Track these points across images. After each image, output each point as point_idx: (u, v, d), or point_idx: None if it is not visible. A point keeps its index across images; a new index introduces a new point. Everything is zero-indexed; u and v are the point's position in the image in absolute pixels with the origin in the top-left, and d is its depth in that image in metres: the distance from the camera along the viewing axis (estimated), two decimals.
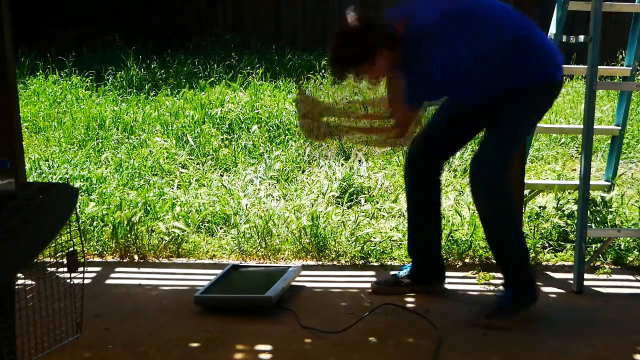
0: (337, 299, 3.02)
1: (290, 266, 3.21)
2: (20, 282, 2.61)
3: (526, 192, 3.64)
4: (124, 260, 3.46)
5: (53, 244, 2.41)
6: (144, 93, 6.52)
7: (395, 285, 3.06)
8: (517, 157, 3.27)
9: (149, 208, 3.85)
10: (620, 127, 3.92)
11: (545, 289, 3.13)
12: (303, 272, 3.19)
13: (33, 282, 2.68)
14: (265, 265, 3.36)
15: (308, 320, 2.78)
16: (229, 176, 4.63)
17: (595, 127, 3.51)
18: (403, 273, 3.09)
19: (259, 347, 2.60)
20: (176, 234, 3.59)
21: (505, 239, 2.79)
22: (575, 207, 3.63)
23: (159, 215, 3.79)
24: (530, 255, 3.43)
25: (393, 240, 3.59)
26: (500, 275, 3.23)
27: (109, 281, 3.23)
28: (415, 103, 2.75)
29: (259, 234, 3.58)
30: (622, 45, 6.23)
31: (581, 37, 3.14)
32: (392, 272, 3.18)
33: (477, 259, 3.42)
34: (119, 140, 5.27)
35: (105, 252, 3.51)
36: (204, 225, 3.80)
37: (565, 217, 3.69)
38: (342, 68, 2.67)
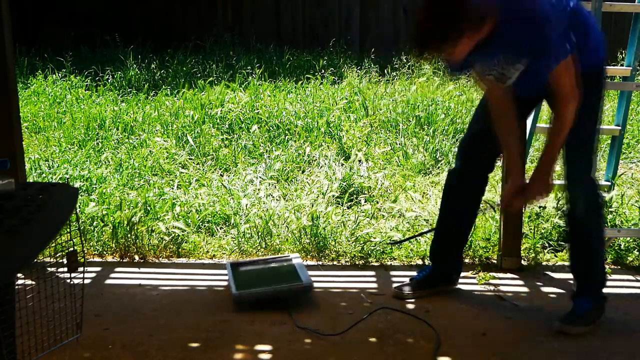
0: (337, 299, 3.02)
1: (288, 256, 3.25)
2: (20, 282, 2.61)
3: None
4: (124, 260, 3.46)
5: (53, 244, 2.41)
6: (143, 93, 6.52)
7: (419, 288, 3.03)
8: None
9: (149, 208, 3.85)
10: (620, 127, 3.92)
11: (545, 289, 3.13)
12: None
13: (33, 282, 2.68)
14: (263, 259, 3.35)
15: (308, 321, 2.78)
16: (229, 176, 4.63)
17: None
18: (422, 275, 3.09)
19: (259, 347, 2.60)
20: (176, 234, 3.59)
21: (598, 244, 2.74)
22: None
23: (159, 215, 3.79)
24: (531, 255, 3.44)
25: (393, 240, 3.59)
26: (499, 275, 3.23)
27: (109, 281, 3.23)
28: (565, 52, 2.41)
29: (259, 234, 3.58)
30: (622, 45, 6.24)
31: None
32: (410, 276, 3.15)
33: (477, 259, 3.42)
34: (119, 140, 5.28)
35: (105, 252, 3.51)
36: (204, 225, 3.80)
37: (565, 217, 3.68)
38: (424, 44, 2.35)
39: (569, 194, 2.75)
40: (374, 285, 3.17)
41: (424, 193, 4.39)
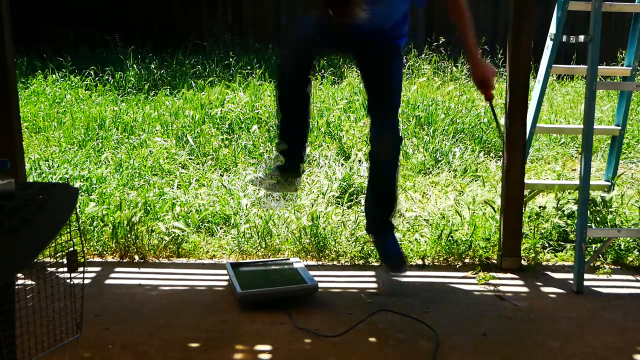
0: (337, 299, 3.02)
1: (288, 258, 3.26)
2: (20, 282, 2.61)
3: (526, 192, 3.64)
4: (124, 260, 3.46)
5: (53, 244, 2.41)
6: (143, 93, 6.52)
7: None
8: (518, 157, 3.28)
9: (149, 208, 3.85)
10: (620, 127, 3.92)
11: (545, 289, 3.13)
12: None
13: (33, 282, 2.68)
14: (262, 261, 3.35)
15: (308, 321, 2.78)
16: (229, 176, 4.63)
17: (595, 127, 3.52)
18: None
19: (259, 347, 2.60)
20: (176, 234, 3.59)
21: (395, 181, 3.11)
22: (575, 207, 3.63)
23: (159, 215, 3.79)
24: (531, 255, 3.44)
25: None
26: (499, 275, 3.24)
27: (109, 281, 3.23)
28: None
29: (259, 234, 3.58)
30: (622, 45, 6.24)
31: (581, 37, 3.14)
32: None
33: (477, 259, 3.42)
34: (119, 140, 5.28)
35: (105, 252, 3.51)
36: (204, 225, 3.80)
37: (565, 217, 3.69)
38: None
39: (383, 130, 2.97)
40: (374, 285, 3.17)
41: (424, 193, 4.39)
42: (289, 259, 3.26)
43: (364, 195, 4.17)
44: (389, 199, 3.09)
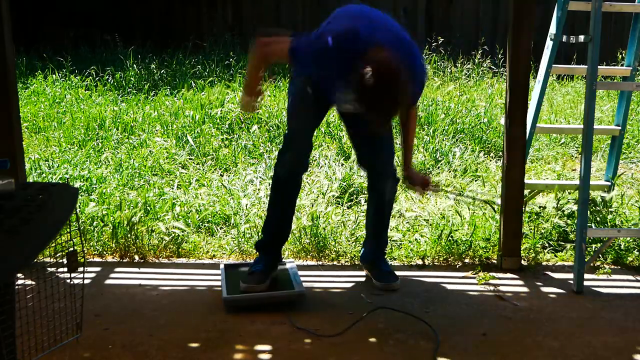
0: (337, 299, 3.02)
1: (283, 261, 3.24)
2: (20, 282, 2.61)
3: (526, 192, 3.64)
4: (124, 260, 3.45)
5: (53, 244, 2.41)
6: (143, 93, 6.52)
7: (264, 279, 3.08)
8: (518, 157, 3.28)
9: (149, 208, 3.85)
10: (620, 127, 3.92)
11: (545, 289, 3.13)
12: (303, 272, 3.19)
13: (33, 282, 2.68)
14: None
15: (308, 321, 2.78)
16: (229, 176, 4.63)
17: (595, 127, 3.52)
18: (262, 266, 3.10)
19: (259, 347, 2.60)
20: (176, 234, 3.59)
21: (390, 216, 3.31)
22: (575, 207, 3.63)
23: (159, 215, 3.79)
24: (531, 255, 3.44)
25: (393, 241, 3.59)
26: (499, 275, 3.24)
27: (109, 281, 3.23)
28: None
29: (259, 234, 3.58)
30: (622, 45, 6.24)
31: (581, 37, 3.14)
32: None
33: (477, 259, 3.42)
34: (119, 140, 5.28)
35: (105, 252, 3.51)
36: (204, 225, 3.80)
37: (565, 217, 3.69)
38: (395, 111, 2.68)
39: (383, 179, 3.11)
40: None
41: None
42: (283, 262, 3.24)
43: (364, 195, 4.19)
44: (386, 228, 3.27)
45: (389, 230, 3.33)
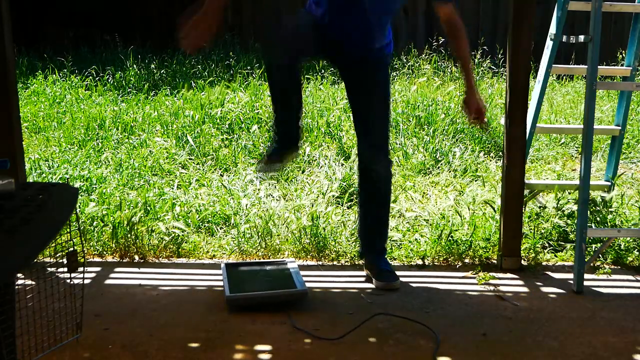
0: (337, 299, 3.02)
1: (284, 260, 3.25)
2: (20, 282, 2.61)
3: (526, 192, 3.64)
4: (124, 260, 3.46)
5: (53, 244, 2.41)
6: (143, 93, 6.52)
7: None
8: (518, 157, 3.29)
9: (149, 208, 3.85)
10: (620, 127, 3.92)
11: (545, 289, 3.13)
12: (303, 272, 3.19)
13: (33, 282, 2.68)
14: (258, 262, 3.35)
15: (308, 321, 2.78)
16: (229, 176, 4.63)
17: (595, 127, 3.52)
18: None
19: (259, 347, 2.60)
20: (176, 234, 3.59)
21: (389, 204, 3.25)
22: (575, 207, 3.64)
23: (159, 215, 3.79)
24: (531, 255, 3.44)
25: (393, 241, 3.59)
26: (499, 275, 3.24)
27: (109, 281, 3.23)
28: None
29: (259, 234, 3.58)
30: (622, 45, 6.25)
31: (581, 37, 3.14)
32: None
33: (477, 259, 3.42)
34: (119, 140, 5.28)
35: (105, 252, 3.51)
36: (204, 225, 3.80)
37: (565, 217, 3.69)
38: None
39: (374, 160, 3.04)
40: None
41: (424, 193, 4.39)
42: (284, 261, 3.24)
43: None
44: (384, 220, 3.22)
45: (388, 227, 3.28)
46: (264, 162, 3.09)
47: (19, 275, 2.71)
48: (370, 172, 3.09)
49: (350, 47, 2.98)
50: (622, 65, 6.32)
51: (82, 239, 3.32)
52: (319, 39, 2.90)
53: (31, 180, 4.22)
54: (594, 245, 3.49)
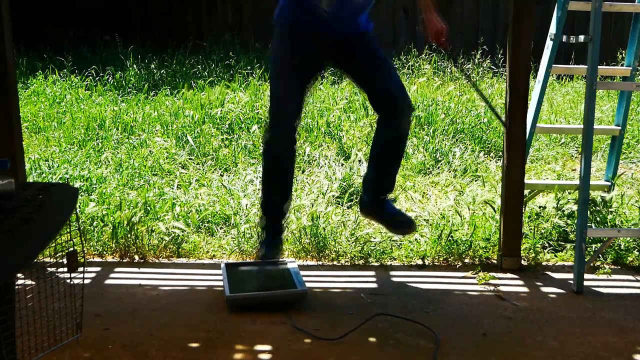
0: (336, 299, 3.02)
1: (284, 260, 3.25)
2: (20, 282, 2.61)
3: (526, 192, 3.64)
4: (124, 260, 3.46)
5: (53, 244, 2.41)
6: (143, 93, 6.52)
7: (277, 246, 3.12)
8: (518, 157, 3.28)
9: (149, 208, 3.85)
10: (620, 127, 3.92)
11: (545, 289, 3.13)
12: (303, 272, 3.19)
13: (33, 282, 2.68)
14: (258, 261, 3.35)
15: (308, 321, 2.78)
16: (229, 176, 4.63)
17: (595, 127, 3.52)
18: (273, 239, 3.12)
19: (259, 347, 2.60)
20: (176, 234, 3.59)
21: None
22: (575, 207, 3.64)
23: (159, 215, 3.79)
24: (531, 255, 3.44)
25: (393, 240, 3.59)
26: (499, 275, 3.25)
27: (109, 281, 3.23)
28: None
29: (259, 234, 3.58)
30: (622, 45, 6.25)
31: (581, 37, 3.14)
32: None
33: (477, 259, 3.42)
34: (119, 140, 5.28)
35: (105, 252, 3.51)
36: (204, 225, 3.80)
37: (565, 217, 3.69)
38: None
39: (400, 104, 2.94)
40: (374, 285, 3.17)
41: (424, 193, 4.39)
42: (284, 261, 3.24)
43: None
44: (396, 169, 3.10)
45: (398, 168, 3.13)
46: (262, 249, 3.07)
47: (19, 275, 2.71)
48: (395, 121, 2.95)
49: (343, 26, 2.94)
50: (622, 65, 6.32)
51: (82, 239, 3.32)
52: (307, 52, 2.93)
53: (31, 180, 4.22)
54: (594, 245, 3.49)
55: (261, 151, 3.06)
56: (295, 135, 3.00)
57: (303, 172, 4.67)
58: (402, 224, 3.06)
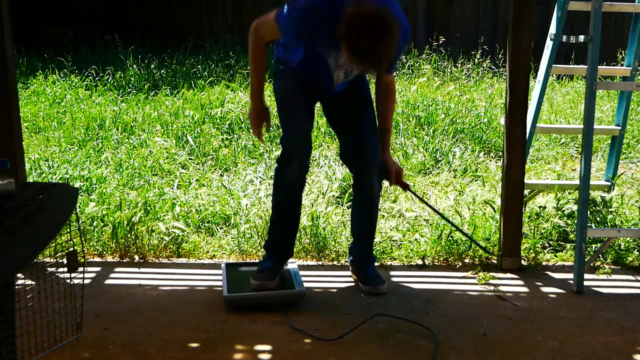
0: (336, 299, 3.02)
1: None
2: (20, 282, 2.61)
3: (526, 192, 3.64)
4: (124, 260, 3.45)
5: (53, 244, 2.41)
6: (143, 93, 6.52)
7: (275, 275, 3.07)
8: (518, 157, 3.28)
9: (149, 208, 3.85)
10: (620, 127, 3.92)
11: (545, 289, 3.13)
12: (303, 272, 3.19)
13: (33, 282, 2.68)
14: (259, 261, 3.35)
15: (308, 321, 2.78)
16: (229, 176, 4.63)
17: (595, 127, 3.52)
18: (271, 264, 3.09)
19: (259, 347, 2.60)
20: (176, 234, 3.59)
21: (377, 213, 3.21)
22: (575, 207, 3.63)
23: (159, 215, 3.79)
24: (531, 255, 3.44)
25: (393, 240, 3.59)
26: (499, 275, 3.25)
27: (109, 281, 3.23)
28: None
29: (259, 234, 3.58)
30: (622, 45, 6.24)
31: (581, 37, 3.14)
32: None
33: (477, 259, 3.42)
34: (119, 140, 5.28)
35: (105, 252, 3.51)
36: (204, 225, 3.80)
37: (565, 217, 3.69)
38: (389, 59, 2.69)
39: (369, 169, 3.01)
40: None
41: (424, 193, 4.39)
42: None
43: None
44: (372, 233, 3.18)
45: (374, 232, 3.21)
46: (257, 277, 3.01)
47: (19, 275, 2.71)
48: (364, 184, 3.06)
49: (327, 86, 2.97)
50: (622, 65, 6.32)
51: (82, 239, 3.32)
52: (308, 92, 3.01)
53: (31, 180, 4.21)
54: (594, 245, 3.49)
55: (273, 181, 3.10)
56: (308, 166, 3.06)
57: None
58: (372, 281, 3.09)
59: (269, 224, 3.18)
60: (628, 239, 3.48)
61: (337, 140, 5.11)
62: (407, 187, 3.15)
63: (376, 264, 3.39)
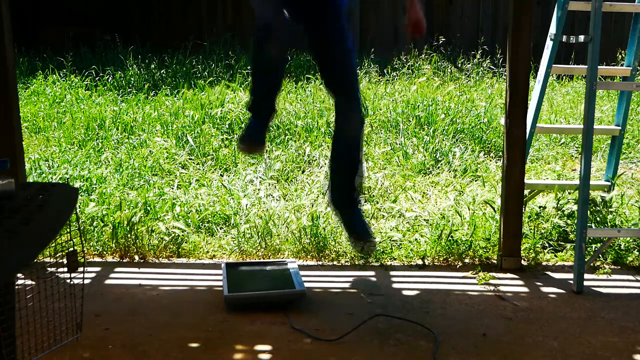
0: (336, 299, 3.02)
1: (285, 260, 3.25)
2: (20, 282, 2.61)
3: (526, 192, 3.64)
4: (124, 260, 3.46)
5: (53, 244, 2.41)
6: (143, 93, 6.52)
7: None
8: (518, 157, 3.29)
9: (149, 208, 3.85)
10: (620, 127, 3.92)
11: (545, 289, 3.13)
12: (303, 272, 3.19)
13: (33, 282, 2.68)
14: (259, 261, 3.35)
15: (308, 321, 2.78)
16: (229, 176, 4.63)
17: (595, 127, 3.52)
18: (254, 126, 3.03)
19: (259, 347, 2.60)
20: (176, 234, 3.59)
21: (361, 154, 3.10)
22: (575, 207, 3.64)
23: (159, 215, 3.79)
24: (531, 255, 3.44)
25: (393, 241, 3.60)
26: (500, 275, 3.25)
27: (109, 281, 3.23)
28: None
29: (259, 234, 3.58)
30: (622, 45, 6.25)
31: (581, 37, 3.14)
32: None
33: (477, 259, 3.42)
34: (119, 140, 5.28)
35: (105, 252, 3.51)
36: (204, 225, 3.80)
37: (565, 217, 3.69)
38: None
39: (349, 109, 2.97)
40: (374, 285, 3.17)
41: (424, 193, 4.39)
42: (285, 261, 3.24)
43: (364, 195, 4.19)
44: (354, 172, 3.07)
45: (360, 173, 3.11)
46: (241, 143, 2.98)
47: (19, 275, 2.71)
48: (346, 120, 3.00)
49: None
50: (622, 65, 6.32)
51: (82, 239, 3.32)
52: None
53: (31, 180, 4.22)
54: (594, 245, 3.49)
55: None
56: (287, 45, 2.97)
57: (303, 172, 4.67)
58: (358, 231, 3.03)
59: (249, 85, 3.14)
60: (628, 239, 3.48)
61: None
62: (422, 33, 2.95)
63: (376, 263, 3.40)
